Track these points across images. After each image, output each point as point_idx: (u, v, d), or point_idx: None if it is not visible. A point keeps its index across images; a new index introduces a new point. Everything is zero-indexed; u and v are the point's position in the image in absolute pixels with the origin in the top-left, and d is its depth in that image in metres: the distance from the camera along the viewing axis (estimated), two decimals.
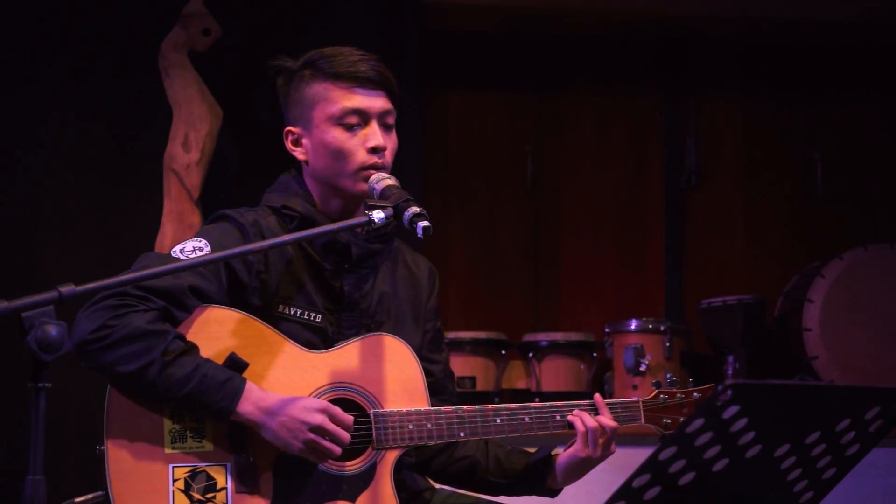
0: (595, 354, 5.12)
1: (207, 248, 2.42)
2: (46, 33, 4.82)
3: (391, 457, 2.46)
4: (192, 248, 2.42)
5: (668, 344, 4.98)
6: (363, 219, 2.31)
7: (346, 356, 2.47)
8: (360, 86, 2.54)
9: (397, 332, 2.56)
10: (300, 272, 2.51)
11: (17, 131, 4.80)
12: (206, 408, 2.32)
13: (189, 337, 2.37)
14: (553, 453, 2.62)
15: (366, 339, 2.50)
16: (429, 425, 2.48)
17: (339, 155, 2.52)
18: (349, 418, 2.38)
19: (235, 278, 2.45)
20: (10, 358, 4.19)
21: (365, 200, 2.36)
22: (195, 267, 2.32)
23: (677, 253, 5.77)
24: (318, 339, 2.49)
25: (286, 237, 2.35)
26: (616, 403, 2.60)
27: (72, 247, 4.77)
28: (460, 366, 4.92)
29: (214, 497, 2.35)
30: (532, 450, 2.66)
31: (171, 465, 2.34)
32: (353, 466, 2.44)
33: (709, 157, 5.82)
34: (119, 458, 2.32)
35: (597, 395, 2.60)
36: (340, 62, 2.54)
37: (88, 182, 4.83)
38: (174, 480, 2.34)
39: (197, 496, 2.34)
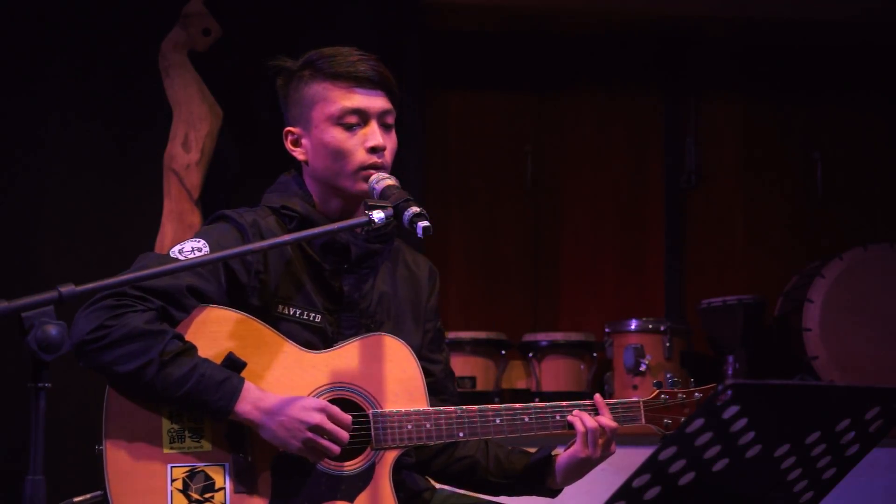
0: (595, 354, 5.12)
1: (206, 249, 2.42)
2: (46, 33, 4.82)
3: (390, 457, 2.46)
4: (191, 249, 2.41)
5: (668, 344, 4.98)
6: (363, 219, 2.30)
7: (345, 356, 2.47)
8: (359, 86, 2.54)
9: (397, 332, 2.56)
10: (299, 272, 2.51)
11: (17, 131, 4.81)
12: (204, 407, 2.32)
13: (188, 337, 2.36)
14: (553, 453, 2.61)
15: (365, 339, 2.50)
16: (428, 425, 2.47)
17: (339, 155, 2.52)
18: (348, 418, 2.37)
19: (234, 279, 2.44)
20: (10, 358, 4.20)
21: (365, 200, 2.35)
22: (194, 267, 2.32)
23: (677, 253, 5.77)
24: (318, 339, 2.49)
25: (285, 237, 2.35)
26: (616, 404, 2.60)
27: (72, 247, 4.77)
28: (460, 366, 4.92)
29: (213, 497, 2.35)
30: (532, 450, 2.66)
31: (169, 465, 2.34)
32: (351, 466, 2.44)
33: (709, 157, 5.82)
34: (117, 458, 2.32)
35: (597, 396, 2.59)
36: (340, 62, 2.54)
37: (88, 182, 4.83)
38: (172, 480, 2.34)
39: (195, 496, 2.34)
